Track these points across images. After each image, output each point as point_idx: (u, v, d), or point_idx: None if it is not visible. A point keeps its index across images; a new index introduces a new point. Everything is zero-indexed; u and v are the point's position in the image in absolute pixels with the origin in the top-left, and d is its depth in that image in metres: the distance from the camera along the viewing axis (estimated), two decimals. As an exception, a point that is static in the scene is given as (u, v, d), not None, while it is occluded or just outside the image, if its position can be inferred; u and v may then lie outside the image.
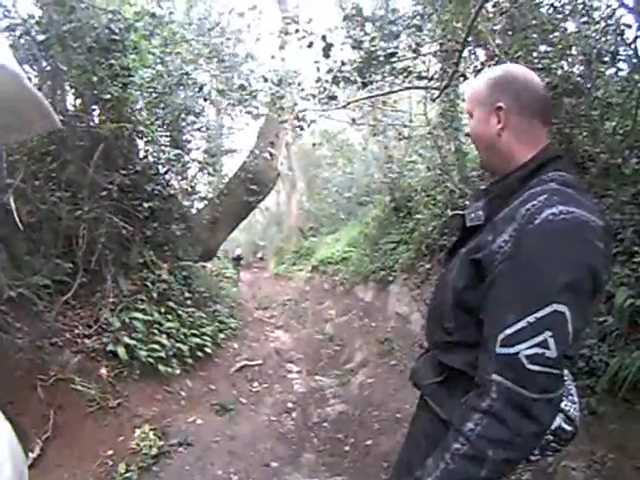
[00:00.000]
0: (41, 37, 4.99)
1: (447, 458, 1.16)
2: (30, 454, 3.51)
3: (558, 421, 1.28)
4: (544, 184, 1.21)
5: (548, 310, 1.09)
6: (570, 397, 1.35)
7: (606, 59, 4.49)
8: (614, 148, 4.67)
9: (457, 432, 1.17)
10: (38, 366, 4.23)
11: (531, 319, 1.09)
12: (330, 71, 6.18)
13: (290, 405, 5.60)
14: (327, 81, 6.35)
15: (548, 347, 1.08)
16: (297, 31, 6.05)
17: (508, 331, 1.12)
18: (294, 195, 23.32)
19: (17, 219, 4.57)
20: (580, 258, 1.11)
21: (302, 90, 7.36)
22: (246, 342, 8.25)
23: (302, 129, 7.78)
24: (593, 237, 1.12)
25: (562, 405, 1.28)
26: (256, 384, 6.42)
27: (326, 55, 5.89)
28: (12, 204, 4.56)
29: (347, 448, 4.50)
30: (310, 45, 5.92)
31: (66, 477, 3.58)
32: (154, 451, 4.15)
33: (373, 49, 5.79)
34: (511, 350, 1.11)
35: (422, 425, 1.48)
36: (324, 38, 5.78)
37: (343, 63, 6.13)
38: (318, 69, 6.36)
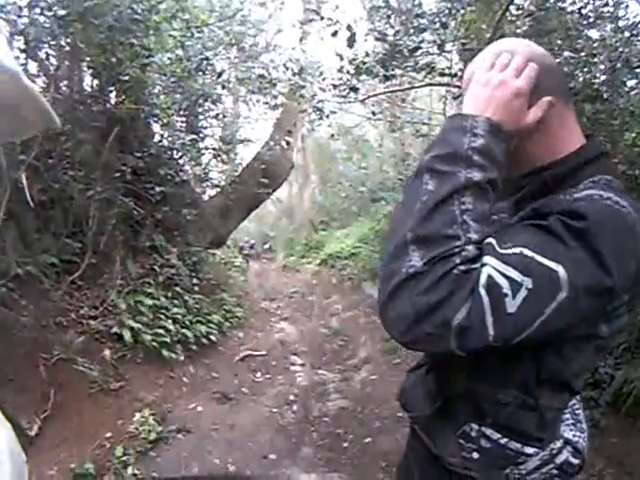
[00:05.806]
0: (62, 12, 4.96)
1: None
2: (28, 432, 3.51)
3: (565, 455, 1.09)
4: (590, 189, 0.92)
5: (553, 266, 0.80)
6: (579, 424, 1.16)
7: (629, 69, 4.38)
8: (633, 159, 4.57)
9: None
10: (41, 345, 4.21)
11: (529, 253, 0.81)
12: (353, 61, 6.12)
13: (291, 397, 5.58)
14: (349, 72, 6.29)
15: (514, 294, 0.79)
16: (322, 19, 6.00)
17: (495, 242, 0.85)
18: (307, 188, 23.29)
19: (28, 196, 4.56)
20: (626, 252, 0.84)
21: (323, 79, 7.29)
22: (251, 332, 8.24)
23: (321, 118, 7.76)
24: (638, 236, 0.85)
25: (570, 436, 1.12)
26: (259, 374, 6.40)
27: (350, 45, 5.83)
28: (24, 181, 4.56)
29: (346, 444, 4.46)
30: (335, 34, 5.84)
31: (62, 457, 3.58)
32: (153, 436, 4.15)
33: (398, 42, 5.71)
34: (482, 257, 0.83)
35: (415, 455, 1.32)
36: (349, 28, 5.71)
37: (367, 54, 6.06)
38: (341, 58, 6.30)
